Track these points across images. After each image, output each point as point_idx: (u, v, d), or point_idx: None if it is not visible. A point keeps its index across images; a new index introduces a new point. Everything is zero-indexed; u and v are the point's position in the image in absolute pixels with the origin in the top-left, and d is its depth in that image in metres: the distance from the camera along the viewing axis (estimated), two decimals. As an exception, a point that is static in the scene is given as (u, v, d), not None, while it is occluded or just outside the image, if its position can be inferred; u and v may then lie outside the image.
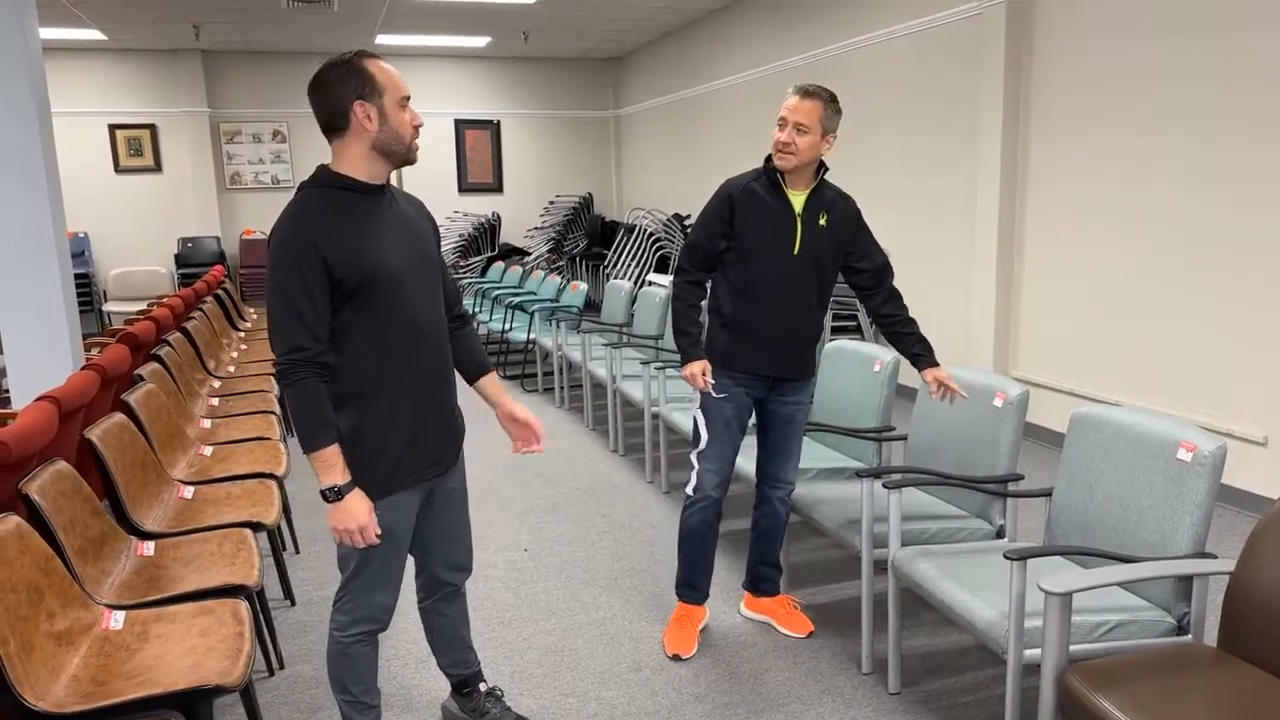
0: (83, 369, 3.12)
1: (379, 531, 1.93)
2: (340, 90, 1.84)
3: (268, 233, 2.01)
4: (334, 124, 1.87)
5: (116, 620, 2.13)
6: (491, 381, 2.29)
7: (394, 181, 2.04)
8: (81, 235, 9.78)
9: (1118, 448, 2.34)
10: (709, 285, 2.86)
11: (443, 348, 2.06)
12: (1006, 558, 2.04)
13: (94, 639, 2.08)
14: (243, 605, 2.19)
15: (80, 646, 2.04)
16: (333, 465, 1.86)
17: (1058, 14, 4.73)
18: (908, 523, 2.71)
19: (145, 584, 2.42)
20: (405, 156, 1.92)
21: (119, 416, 2.93)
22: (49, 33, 8.52)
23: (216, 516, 2.90)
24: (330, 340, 1.87)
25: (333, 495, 1.87)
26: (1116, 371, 4.57)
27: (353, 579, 2.03)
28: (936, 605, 2.34)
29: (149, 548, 2.59)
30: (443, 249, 2.23)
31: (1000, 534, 2.75)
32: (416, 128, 1.92)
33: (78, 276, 9.59)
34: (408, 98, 1.90)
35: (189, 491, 3.08)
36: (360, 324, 1.88)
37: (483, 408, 6.51)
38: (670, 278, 7.31)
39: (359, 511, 1.88)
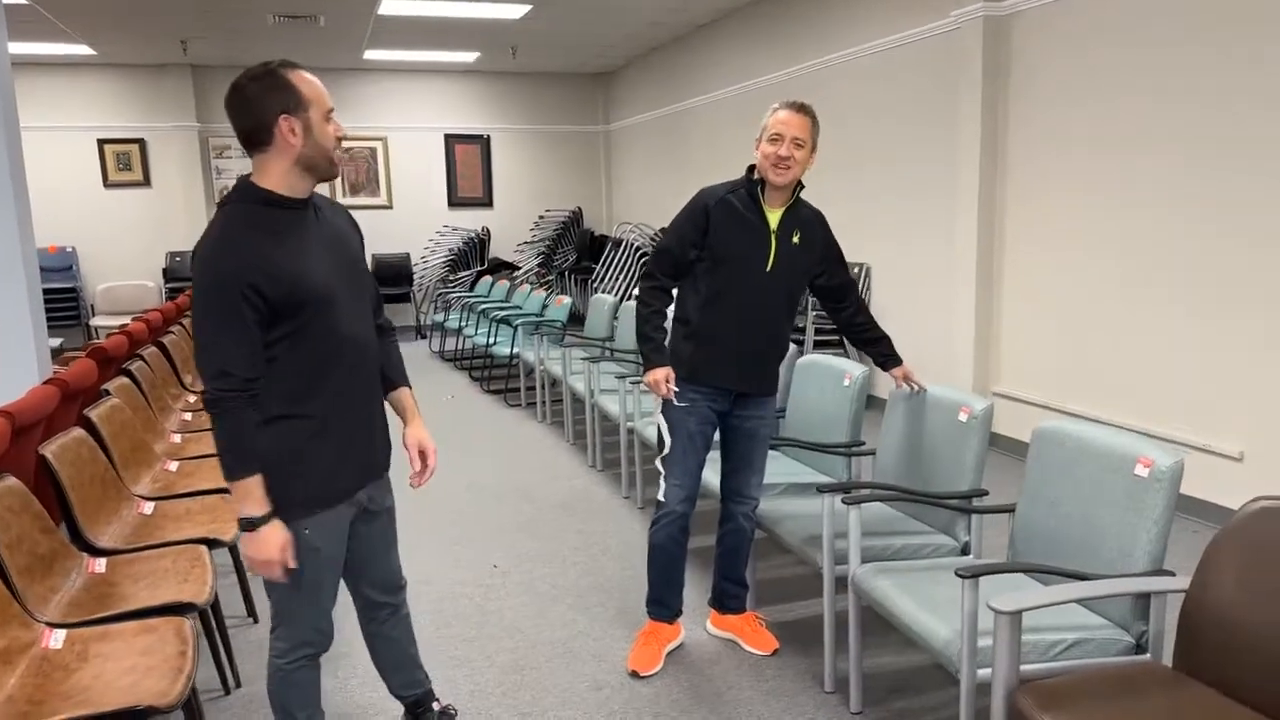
0: (44, 384, 3.10)
1: (292, 566, 1.88)
2: (264, 104, 1.79)
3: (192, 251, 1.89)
4: (256, 139, 1.82)
5: (56, 639, 2.10)
6: (406, 396, 2.21)
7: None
8: (69, 250, 9.76)
9: (1078, 463, 2.32)
10: (675, 293, 2.85)
11: (372, 361, 2.03)
12: (958, 575, 2.02)
13: (32, 658, 2.05)
14: (187, 624, 2.16)
15: (18, 666, 2.01)
16: (251, 494, 1.81)
17: (1035, 27, 4.74)
18: (872, 539, 2.68)
19: (94, 601, 2.38)
20: (329, 171, 1.88)
21: (77, 432, 2.91)
22: (37, 48, 8.53)
23: (175, 532, 2.87)
24: (262, 362, 1.82)
25: (247, 525, 1.82)
26: (1096, 387, 4.55)
27: (286, 603, 1.99)
28: (894, 623, 2.31)
29: (100, 565, 2.55)
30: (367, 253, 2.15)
31: (965, 550, 2.72)
32: (340, 139, 1.89)
33: (65, 291, 9.57)
34: (332, 110, 1.87)
35: (149, 507, 3.05)
36: (292, 343, 1.84)
37: (454, 427, 6.41)
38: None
39: (273, 543, 1.83)
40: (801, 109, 2.65)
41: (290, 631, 2.00)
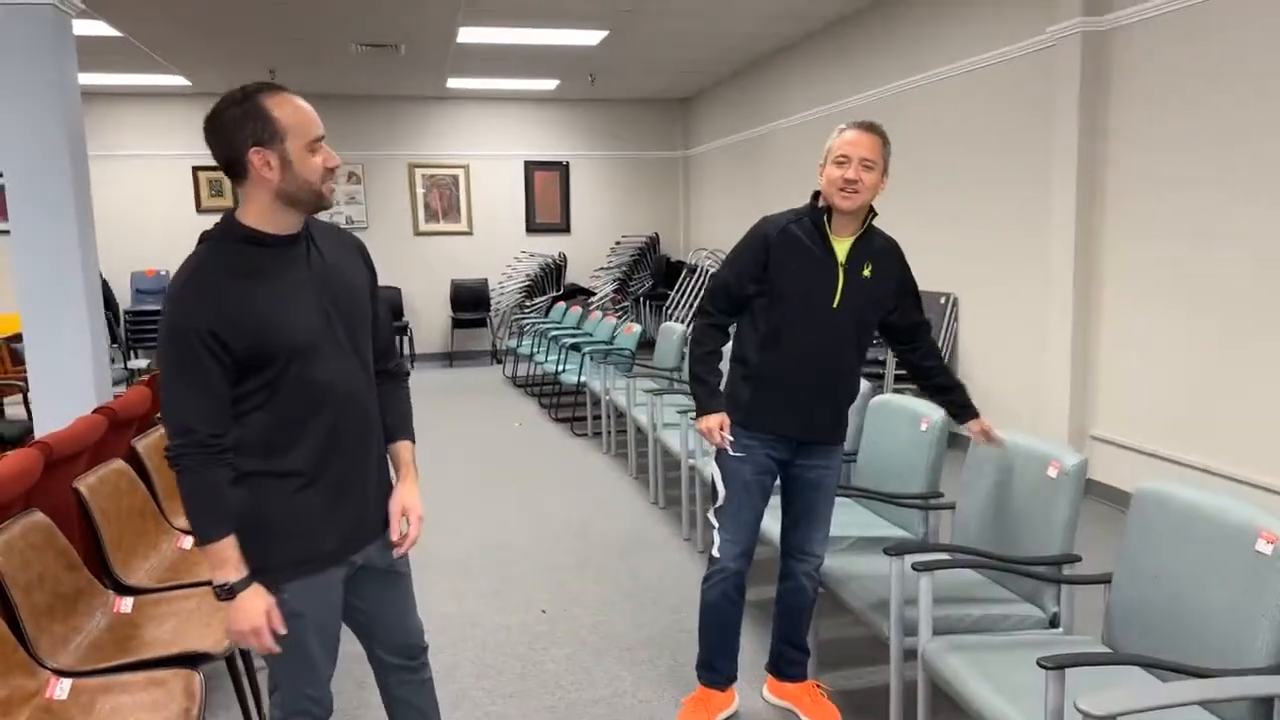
0: (92, 413, 3.07)
1: (281, 632, 1.71)
2: (235, 135, 1.62)
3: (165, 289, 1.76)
4: (233, 171, 1.66)
5: (62, 689, 2.00)
6: (404, 450, 1.98)
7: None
8: (164, 273, 10.09)
9: (1186, 533, 2.02)
10: (733, 330, 2.64)
11: (367, 411, 1.84)
12: (1040, 665, 1.75)
13: (34, 709, 1.95)
14: (196, 679, 2.04)
15: (17, 717, 1.91)
16: (226, 560, 1.65)
17: (1139, 43, 4.39)
18: (948, 606, 2.41)
19: (115, 645, 2.30)
20: (316, 204, 1.72)
21: (117, 463, 2.86)
22: (136, 79, 8.87)
23: (209, 570, 2.78)
24: (234, 417, 1.67)
25: (224, 593, 1.66)
26: (1208, 434, 4.13)
27: (275, 672, 1.83)
28: (966, 709, 2.04)
29: (127, 605, 2.47)
30: (378, 290, 1.98)
31: (1054, 623, 2.42)
32: (331, 169, 1.71)
33: (156, 313, 9.89)
34: (320, 138, 1.69)
35: (188, 542, 2.98)
36: (271, 392, 1.68)
37: (518, 455, 6.25)
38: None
39: (253, 611, 1.66)
40: (870, 128, 2.43)
41: (283, 699, 1.84)
